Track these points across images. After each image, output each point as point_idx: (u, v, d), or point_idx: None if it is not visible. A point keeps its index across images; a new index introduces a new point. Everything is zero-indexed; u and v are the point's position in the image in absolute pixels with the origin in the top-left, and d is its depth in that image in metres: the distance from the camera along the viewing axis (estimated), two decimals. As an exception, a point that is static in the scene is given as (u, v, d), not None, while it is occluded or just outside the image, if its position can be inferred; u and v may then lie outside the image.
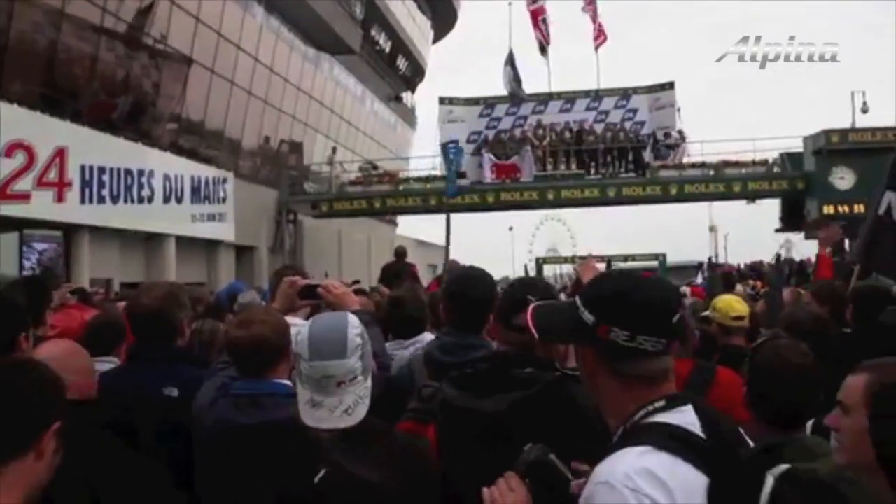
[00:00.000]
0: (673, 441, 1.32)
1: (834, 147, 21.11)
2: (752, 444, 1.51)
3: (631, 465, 1.30)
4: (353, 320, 1.97)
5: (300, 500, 1.80)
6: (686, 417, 1.37)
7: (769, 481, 1.32)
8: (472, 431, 1.87)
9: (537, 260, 37.88)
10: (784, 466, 1.37)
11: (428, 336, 3.37)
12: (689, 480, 1.29)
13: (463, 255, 20.21)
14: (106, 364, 3.10)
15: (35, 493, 1.47)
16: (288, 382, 2.34)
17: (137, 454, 2.05)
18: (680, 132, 23.87)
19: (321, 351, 1.86)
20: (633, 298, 1.39)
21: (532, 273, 25.58)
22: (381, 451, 1.85)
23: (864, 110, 22.51)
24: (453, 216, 22.30)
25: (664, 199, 23.26)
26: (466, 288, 2.54)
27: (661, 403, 1.37)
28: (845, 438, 1.54)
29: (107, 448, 1.92)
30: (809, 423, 1.98)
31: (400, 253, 10.05)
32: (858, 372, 1.58)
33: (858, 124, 22.05)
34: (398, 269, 9.50)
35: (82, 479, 1.79)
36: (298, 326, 2.10)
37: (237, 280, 13.06)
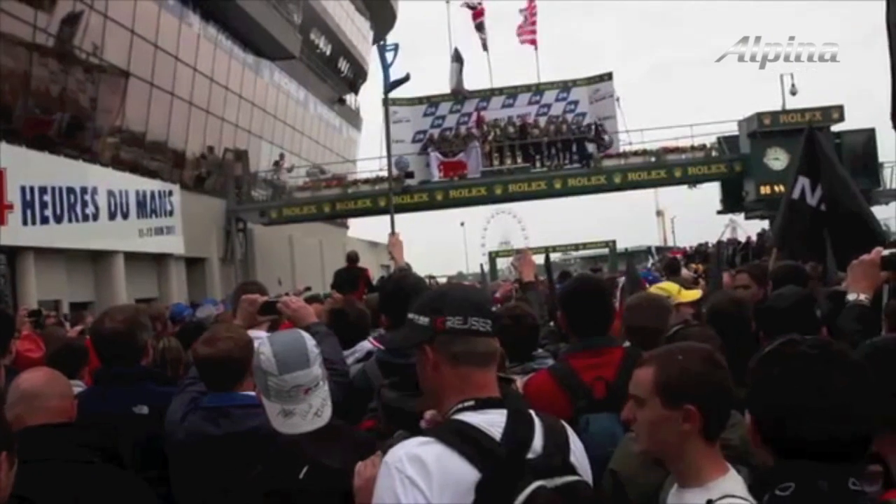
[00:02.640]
0: (456, 436, 1.49)
1: (767, 129, 21.83)
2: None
3: (407, 450, 1.49)
4: (305, 333, 2.23)
5: (288, 495, 2.00)
6: (489, 418, 1.54)
7: (531, 487, 1.44)
8: (404, 429, 2.08)
9: (490, 254, 38.27)
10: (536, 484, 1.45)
11: (366, 345, 3.57)
12: (455, 472, 1.46)
13: (416, 252, 20.47)
14: (73, 388, 3.18)
15: None
16: (254, 394, 2.48)
17: (121, 471, 2.15)
18: (597, 126, 24.27)
19: (288, 364, 2.07)
20: (455, 294, 1.67)
21: (486, 268, 25.94)
22: (347, 444, 2.08)
23: (793, 92, 23.29)
24: (404, 215, 22.45)
25: (609, 188, 23.76)
26: (400, 289, 2.73)
27: (471, 403, 1.56)
28: (642, 429, 1.63)
29: (92, 466, 2.04)
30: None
31: (352, 258, 10.12)
32: (645, 364, 1.65)
33: (788, 106, 22.83)
34: (351, 275, 9.59)
35: (71, 497, 1.90)
36: (259, 344, 2.26)
37: (210, 298, 12.94)
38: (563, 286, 3.30)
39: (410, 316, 1.67)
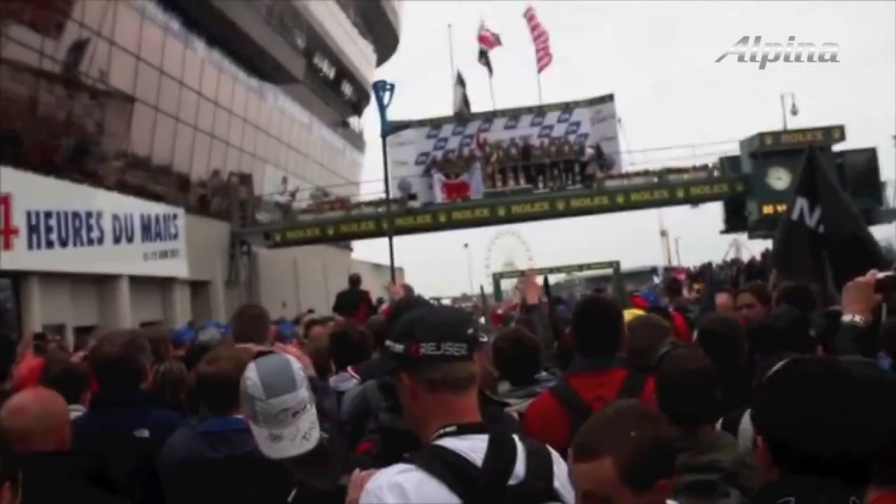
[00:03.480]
0: (436, 463, 1.51)
1: (768, 149, 21.92)
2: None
3: (388, 477, 1.51)
4: (291, 357, 2.25)
5: None
6: (471, 444, 1.54)
7: None
8: (400, 450, 2.10)
9: (494, 275, 38.21)
10: None
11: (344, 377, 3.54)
12: (436, 498, 1.47)
13: (420, 274, 20.54)
14: (72, 413, 3.19)
15: None
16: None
17: (109, 497, 2.16)
18: (597, 147, 24.36)
19: (275, 388, 2.09)
20: (430, 319, 1.66)
21: (488, 290, 25.90)
22: (338, 465, 2.08)
23: (794, 112, 23.43)
24: (408, 237, 22.49)
25: (612, 208, 23.79)
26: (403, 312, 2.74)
27: (452, 429, 1.57)
28: None
29: (87, 494, 2.05)
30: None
31: (354, 280, 10.15)
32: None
33: (790, 126, 22.91)
34: (353, 297, 9.63)
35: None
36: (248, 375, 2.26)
37: (210, 320, 12.95)
38: (576, 304, 3.32)
39: (387, 343, 1.68)
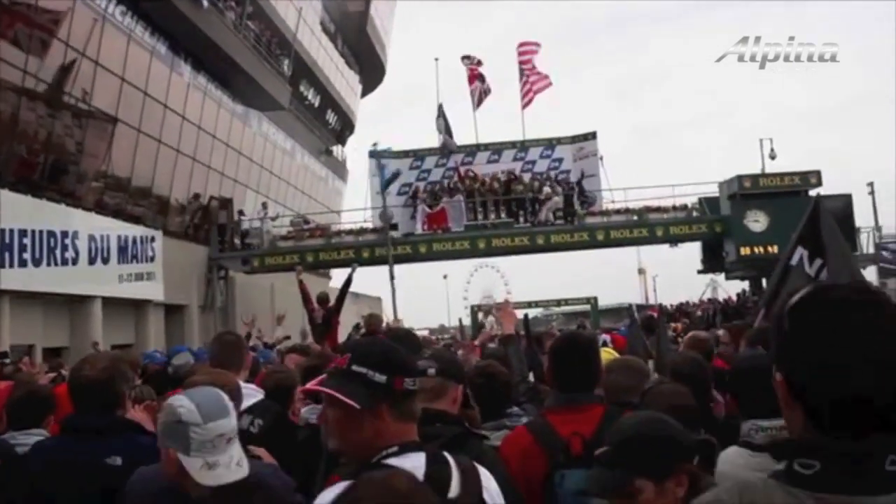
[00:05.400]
0: None
1: (747, 192, 22.24)
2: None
3: (332, 495, 1.55)
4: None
5: None
6: (413, 462, 1.65)
7: None
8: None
9: (472, 307, 38.19)
10: None
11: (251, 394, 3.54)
12: None
13: (398, 304, 20.39)
14: (33, 437, 3.10)
15: None
16: None
17: None
18: (551, 186, 24.53)
19: (212, 414, 2.11)
20: (402, 355, 1.79)
21: (466, 322, 25.82)
22: (264, 498, 2.13)
23: (773, 156, 23.88)
24: (387, 267, 22.47)
25: (591, 244, 23.95)
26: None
27: (395, 450, 1.67)
28: None
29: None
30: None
31: (322, 299, 10.02)
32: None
33: (768, 170, 23.28)
34: (324, 323, 9.58)
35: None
36: (172, 400, 2.25)
37: (182, 346, 12.72)
38: (553, 340, 3.32)
39: (361, 370, 1.71)
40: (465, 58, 27.76)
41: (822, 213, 4.72)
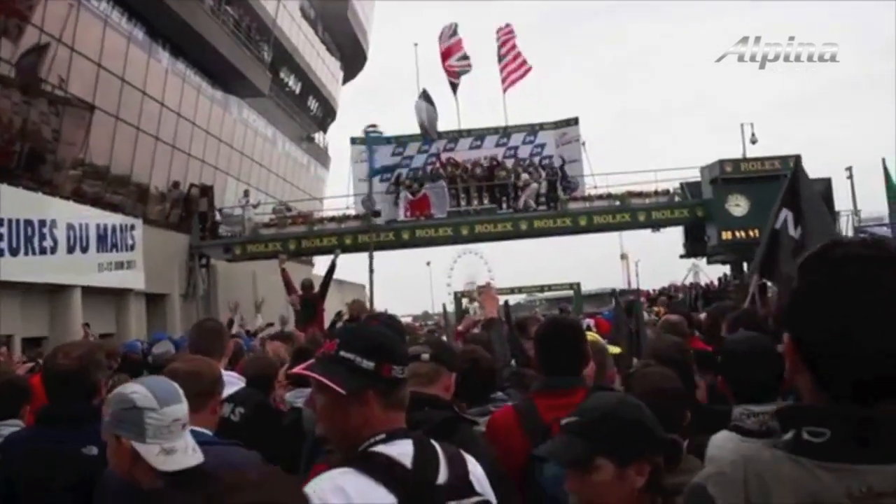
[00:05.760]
0: (372, 466, 1.62)
1: (728, 176, 22.34)
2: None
3: (329, 480, 1.60)
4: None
5: None
6: (401, 449, 1.67)
7: None
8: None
9: (456, 294, 38.26)
10: None
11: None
12: (375, 499, 1.58)
13: (382, 291, 20.40)
14: (9, 427, 3.04)
15: None
16: (202, 430, 2.39)
17: None
18: (530, 172, 24.54)
19: (168, 399, 2.10)
20: (394, 342, 1.78)
21: (450, 308, 25.86)
22: (217, 487, 2.02)
23: (754, 141, 24.01)
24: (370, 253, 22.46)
25: (574, 230, 24.00)
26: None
27: (383, 437, 1.67)
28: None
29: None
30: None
31: (306, 286, 9.99)
32: None
33: (749, 154, 23.40)
34: (308, 303, 9.55)
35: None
36: (123, 388, 2.22)
37: (162, 333, 12.61)
38: (540, 325, 3.30)
39: (349, 356, 1.70)
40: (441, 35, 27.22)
41: (802, 175, 4.78)
